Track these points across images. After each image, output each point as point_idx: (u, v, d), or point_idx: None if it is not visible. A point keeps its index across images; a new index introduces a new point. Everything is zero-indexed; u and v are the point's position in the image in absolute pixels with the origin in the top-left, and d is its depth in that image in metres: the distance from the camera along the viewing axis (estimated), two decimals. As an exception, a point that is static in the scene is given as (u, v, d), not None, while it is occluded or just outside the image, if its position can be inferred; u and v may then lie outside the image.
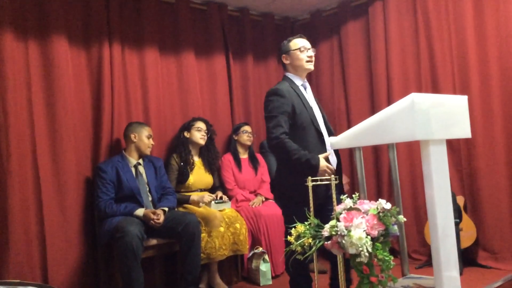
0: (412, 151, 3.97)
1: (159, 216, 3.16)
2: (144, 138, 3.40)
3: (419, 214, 3.95)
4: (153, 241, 3.22)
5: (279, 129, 2.57)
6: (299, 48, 2.80)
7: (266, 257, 3.62)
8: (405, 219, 2.09)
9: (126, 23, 3.71)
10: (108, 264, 3.31)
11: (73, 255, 3.25)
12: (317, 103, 2.87)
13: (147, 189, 3.38)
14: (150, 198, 3.37)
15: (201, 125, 3.80)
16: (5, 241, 2.96)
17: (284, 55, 2.85)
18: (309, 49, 2.81)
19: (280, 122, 2.59)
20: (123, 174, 3.27)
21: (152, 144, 3.45)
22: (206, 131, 3.83)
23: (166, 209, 3.28)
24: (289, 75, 2.86)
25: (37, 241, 3.09)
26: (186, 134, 3.80)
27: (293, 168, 2.58)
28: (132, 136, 3.38)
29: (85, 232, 3.35)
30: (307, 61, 2.79)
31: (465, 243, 3.56)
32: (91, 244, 3.36)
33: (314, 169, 2.48)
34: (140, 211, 3.19)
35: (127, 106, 3.67)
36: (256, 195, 4.01)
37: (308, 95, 2.84)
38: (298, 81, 2.83)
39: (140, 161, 3.43)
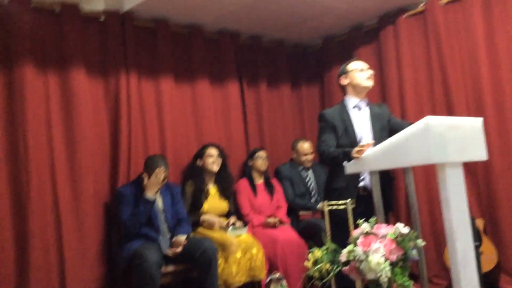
0: (429, 174, 3.93)
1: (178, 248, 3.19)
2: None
3: (438, 238, 3.89)
4: (170, 268, 3.23)
5: (322, 145, 2.87)
6: (358, 68, 2.96)
7: (284, 282, 3.59)
8: (424, 243, 2.08)
9: (141, 53, 3.80)
10: (126, 290, 3.32)
11: (91, 281, 3.27)
12: (379, 121, 2.94)
13: (163, 216, 3.40)
14: (166, 226, 3.39)
15: (212, 151, 3.82)
16: (26, 266, 3.00)
17: (342, 75, 3.01)
18: (368, 69, 2.97)
19: (325, 139, 2.88)
20: (140, 196, 3.28)
21: (165, 178, 3.37)
22: (219, 155, 3.84)
23: (185, 237, 3.29)
24: (345, 98, 3.02)
25: (56, 266, 3.13)
26: (199, 162, 3.83)
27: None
28: (144, 175, 3.33)
29: (103, 257, 3.38)
30: (367, 78, 2.94)
31: (486, 267, 3.49)
32: (109, 269, 3.38)
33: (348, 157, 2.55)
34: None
35: (144, 134, 3.73)
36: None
37: (362, 115, 2.94)
38: (352, 102, 2.98)
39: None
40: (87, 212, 3.31)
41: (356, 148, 2.47)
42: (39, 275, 3.03)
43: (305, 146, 4.34)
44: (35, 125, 3.16)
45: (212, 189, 3.84)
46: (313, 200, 4.23)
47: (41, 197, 3.12)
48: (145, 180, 3.25)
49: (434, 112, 3.89)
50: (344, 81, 3.01)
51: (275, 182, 4.24)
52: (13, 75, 3.12)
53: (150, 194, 3.23)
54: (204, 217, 3.65)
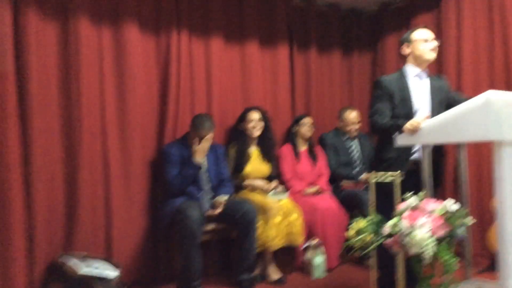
0: (480, 151, 3.77)
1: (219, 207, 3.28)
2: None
3: (483, 217, 3.77)
4: (211, 226, 3.30)
5: (376, 115, 2.76)
6: (422, 38, 2.83)
7: (322, 249, 3.61)
8: (473, 221, 2.02)
9: (194, 11, 3.78)
10: (168, 245, 3.43)
11: (135, 234, 3.40)
12: (439, 94, 2.85)
13: (206, 175, 3.46)
14: (209, 185, 3.45)
15: (253, 115, 3.79)
16: (75, 217, 3.14)
17: (406, 43, 2.89)
18: (433, 39, 2.83)
19: (378, 108, 2.77)
20: (186, 156, 3.35)
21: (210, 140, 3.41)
22: (261, 119, 3.82)
23: (226, 197, 3.35)
24: (406, 66, 2.90)
25: (103, 218, 3.26)
26: (241, 126, 3.84)
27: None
28: (193, 135, 3.39)
29: (147, 212, 3.49)
30: (431, 50, 2.82)
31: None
32: (153, 224, 3.49)
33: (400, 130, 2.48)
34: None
35: (192, 93, 3.75)
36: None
37: (422, 86, 2.84)
38: (413, 72, 2.86)
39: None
40: (134, 166, 3.40)
41: (410, 123, 2.38)
42: (87, 226, 3.17)
43: (352, 115, 4.25)
44: (88, 77, 3.22)
45: (254, 151, 3.85)
46: (356, 170, 4.18)
47: (92, 149, 3.23)
48: (195, 146, 3.29)
49: (493, 88, 3.69)
50: (406, 50, 2.88)
51: (318, 149, 4.21)
52: (69, 27, 3.17)
53: (199, 159, 3.28)
54: (248, 182, 3.68)
